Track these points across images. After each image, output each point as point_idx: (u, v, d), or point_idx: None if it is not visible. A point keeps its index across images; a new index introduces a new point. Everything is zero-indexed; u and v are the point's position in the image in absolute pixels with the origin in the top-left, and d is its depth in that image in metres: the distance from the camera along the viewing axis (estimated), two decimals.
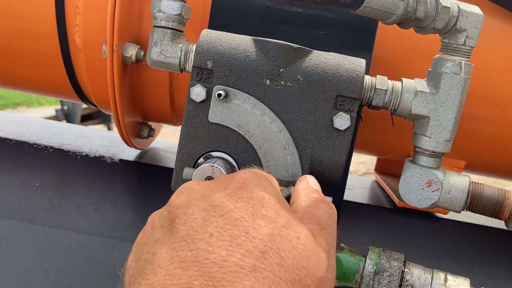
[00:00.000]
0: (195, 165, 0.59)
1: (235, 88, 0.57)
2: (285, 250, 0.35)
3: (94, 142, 0.96)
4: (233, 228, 0.34)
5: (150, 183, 0.86)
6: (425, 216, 0.89)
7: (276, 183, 0.47)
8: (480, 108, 0.77)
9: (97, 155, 0.88)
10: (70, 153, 0.88)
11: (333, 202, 0.68)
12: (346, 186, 1.01)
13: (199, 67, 0.58)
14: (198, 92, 0.58)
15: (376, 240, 0.85)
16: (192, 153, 0.59)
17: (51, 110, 5.47)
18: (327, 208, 0.45)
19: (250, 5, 0.66)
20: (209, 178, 0.55)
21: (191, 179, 0.55)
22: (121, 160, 0.88)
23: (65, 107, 5.02)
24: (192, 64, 0.58)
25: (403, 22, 0.54)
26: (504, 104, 0.76)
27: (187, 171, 0.57)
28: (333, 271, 0.40)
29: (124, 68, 0.72)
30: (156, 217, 0.39)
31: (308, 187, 0.49)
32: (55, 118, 4.95)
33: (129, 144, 0.84)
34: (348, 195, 0.94)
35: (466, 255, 0.84)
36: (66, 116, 5.05)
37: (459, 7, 0.55)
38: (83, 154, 0.88)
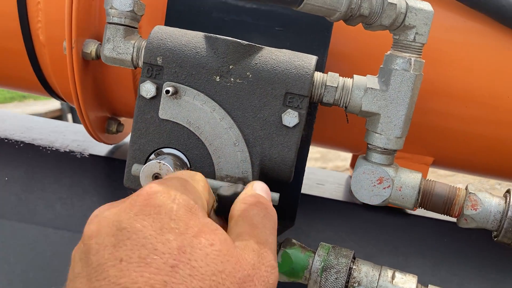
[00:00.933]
0: (146, 162, 0.60)
1: (185, 85, 0.58)
2: (196, 260, 0.35)
3: (68, 137, 0.97)
4: (141, 248, 0.34)
5: (118, 178, 0.86)
6: (394, 212, 0.88)
7: (200, 180, 0.46)
8: (446, 104, 0.77)
9: (67, 150, 0.89)
10: (41, 148, 0.89)
11: (289, 198, 0.69)
12: (318, 182, 1.01)
13: (149, 63, 0.58)
14: (148, 89, 0.58)
15: (343, 236, 0.85)
16: (143, 149, 0.60)
17: (57, 103, 5.49)
18: (260, 208, 0.45)
19: (206, 1, 0.66)
20: (156, 175, 0.55)
21: (139, 176, 0.56)
22: (90, 155, 0.89)
23: None
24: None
25: (348, 19, 0.53)
26: (469, 100, 0.76)
27: (135, 167, 0.58)
28: (270, 266, 0.40)
29: (85, 63, 0.72)
30: (76, 251, 0.38)
31: (247, 192, 0.49)
32: (61, 110, 4.95)
33: (97, 139, 0.84)
34: (318, 191, 0.94)
35: (433, 252, 0.84)
36: (71, 108, 5.06)
37: (407, 4, 0.55)
38: (54, 149, 0.89)
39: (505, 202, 0.56)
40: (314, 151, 4.34)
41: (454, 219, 0.90)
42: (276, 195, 0.55)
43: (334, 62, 0.72)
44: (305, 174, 0.85)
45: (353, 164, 1.09)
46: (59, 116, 4.82)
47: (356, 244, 0.85)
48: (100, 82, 0.78)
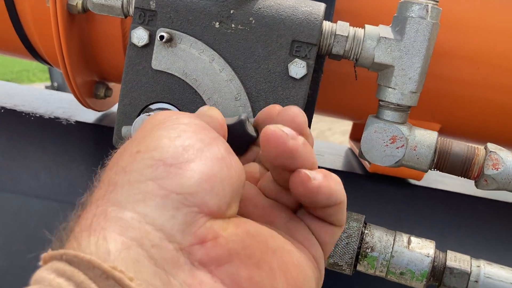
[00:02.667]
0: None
1: (181, 31, 0.52)
2: None
3: (52, 104, 0.91)
4: None
5: (106, 146, 0.80)
6: (397, 183, 0.84)
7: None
8: (455, 67, 0.73)
9: (52, 117, 0.83)
10: (24, 114, 0.83)
11: None
12: (318, 153, 0.97)
13: (141, 8, 0.52)
14: (139, 35, 0.52)
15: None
16: (134, 103, 0.54)
17: (41, 87, 5.37)
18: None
19: None
20: None
21: (130, 135, 0.51)
22: (77, 122, 0.83)
23: (55, 84, 4.90)
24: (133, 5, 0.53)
25: None
26: (480, 62, 0.71)
27: (125, 129, 0.52)
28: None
29: (71, 18, 0.66)
30: None
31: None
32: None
33: (84, 104, 0.78)
34: (318, 161, 0.89)
35: (438, 223, 0.81)
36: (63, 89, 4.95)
37: None
38: (37, 115, 0.83)
39: None
40: (311, 128, 4.32)
41: (459, 190, 0.86)
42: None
43: (341, 18, 0.67)
44: None
45: (353, 136, 1.04)
46: None
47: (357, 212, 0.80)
48: (87, 42, 0.73)
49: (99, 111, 0.87)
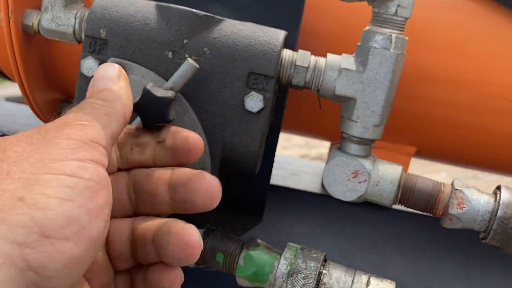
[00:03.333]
0: None
1: (132, 61, 0.50)
2: None
3: (18, 120, 0.88)
4: None
5: None
6: (373, 207, 0.82)
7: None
8: (431, 90, 0.70)
9: None
10: None
11: (256, 192, 0.62)
12: (293, 172, 0.94)
13: (91, 36, 0.50)
14: (89, 66, 0.50)
15: (317, 232, 0.79)
16: None
17: (15, 89, 5.31)
18: None
19: None
20: None
21: None
22: None
23: None
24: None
25: None
26: (455, 85, 0.69)
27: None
28: None
29: (28, 37, 0.63)
30: None
31: None
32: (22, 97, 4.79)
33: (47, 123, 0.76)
34: (292, 182, 0.87)
35: (414, 248, 0.79)
36: None
37: None
38: (0, 134, 0.80)
39: (495, 200, 0.50)
40: (298, 138, 4.27)
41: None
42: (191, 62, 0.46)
43: (306, 40, 0.64)
44: (280, 164, 0.78)
45: None
46: None
47: (331, 239, 0.78)
48: (48, 60, 0.70)
49: None
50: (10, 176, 0.29)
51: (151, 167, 0.43)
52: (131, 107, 0.41)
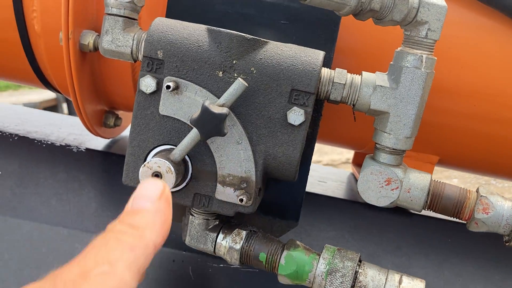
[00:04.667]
0: (146, 159, 0.57)
1: (186, 80, 0.55)
2: None
3: (64, 130, 0.94)
4: None
5: (115, 174, 0.84)
6: (398, 212, 0.87)
7: None
8: (454, 102, 0.75)
9: (63, 144, 0.86)
10: (36, 141, 0.86)
11: (293, 197, 0.67)
12: (320, 179, 0.99)
13: (149, 57, 0.55)
14: (148, 83, 0.55)
15: (345, 236, 0.83)
16: (142, 146, 0.57)
17: (52, 93, 5.40)
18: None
19: None
20: (156, 173, 0.53)
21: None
22: (87, 149, 0.86)
23: None
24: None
25: (358, 14, 0.51)
26: (477, 98, 0.73)
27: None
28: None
29: (83, 55, 0.69)
30: None
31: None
32: (55, 100, 4.89)
33: (94, 132, 0.81)
34: (320, 188, 0.92)
35: (437, 252, 0.83)
36: (66, 98, 4.98)
37: None
38: (49, 142, 0.86)
39: None
40: (315, 159, 4.31)
41: (458, 220, 0.88)
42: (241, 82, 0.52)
43: (342, 58, 0.69)
44: None
45: (355, 161, 1.07)
46: (54, 106, 4.75)
47: (359, 243, 0.83)
48: (98, 75, 0.76)
49: (108, 138, 0.90)
50: None
51: None
52: (165, 232, 0.38)
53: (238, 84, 0.52)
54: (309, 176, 0.98)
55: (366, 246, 0.83)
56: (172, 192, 0.57)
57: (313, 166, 1.12)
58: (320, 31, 0.63)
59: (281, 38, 0.59)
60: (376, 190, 0.58)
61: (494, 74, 0.73)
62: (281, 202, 0.67)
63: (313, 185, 0.93)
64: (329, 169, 1.10)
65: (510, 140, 0.77)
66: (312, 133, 0.64)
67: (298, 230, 0.83)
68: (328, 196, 0.88)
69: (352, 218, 0.85)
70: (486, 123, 0.76)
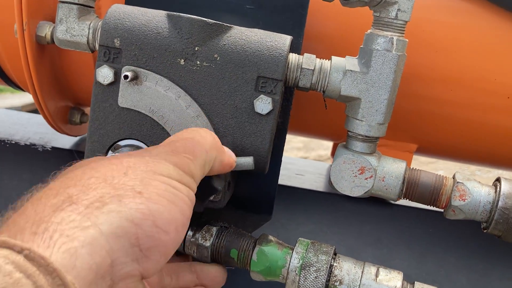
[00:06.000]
0: (106, 154, 0.54)
1: (146, 69, 0.52)
2: None
3: (29, 129, 0.90)
4: None
5: None
6: (377, 203, 0.84)
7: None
8: (430, 88, 0.73)
9: (28, 143, 0.83)
10: None
11: (265, 190, 0.64)
12: (298, 172, 0.97)
13: (106, 45, 0.52)
14: (105, 74, 0.52)
15: (324, 229, 0.81)
16: (102, 141, 0.54)
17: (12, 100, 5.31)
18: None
19: None
20: None
21: None
22: (53, 148, 0.82)
23: None
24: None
25: None
26: (454, 83, 0.71)
27: None
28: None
29: (41, 48, 0.66)
30: None
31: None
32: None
33: (58, 130, 0.78)
34: (297, 181, 0.89)
35: (418, 242, 0.81)
36: None
37: None
38: (13, 142, 0.82)
39: (495, 191, 0.52)
40: (296, 141, 4.29)
41: (439, 209, 0.86)
42: (250, 159, 0.51)
43: (310, 43, 0.67)
44: (283, 164, 0.79)
45: (334, 153, 1.04)
46: (36, 109, 4.66)
47: (338, 236, 0.80)
48: (59, 69, 0.72)
49: (75, 136, 0.86)
50: (128, 176, 0.37)
51: None
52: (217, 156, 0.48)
53: (247, 163, 0.52)
54: (286, 169, 0.95)
55: (345, 239, 0.80)
56: None
57: (290, 159, 1.10)
58: (288, 15, 0.60)
59: (247, 24, 0.57)
60: (350, 179, 0.55)
61: (470, 59, 0.71)
62: (253, 195, 0.64)
63: (290, 178, 0.90)
64: (307, 162, 1.07)
65: (490, 126, 0.75)
66: (282, 123, 0.61)
67: (275, 225, 0.80)
68: (306, 189, 0.85)
69: (331, 210, 0.83)
70: (463, 109, 0.74)
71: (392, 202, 0.86)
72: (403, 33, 0.53)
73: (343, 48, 0.65)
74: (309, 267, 0.51)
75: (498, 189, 0.52)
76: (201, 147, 0.44)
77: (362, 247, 0.81)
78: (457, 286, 0.78)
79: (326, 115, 0.73)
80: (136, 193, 0.36)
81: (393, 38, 0.52)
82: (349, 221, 0.82)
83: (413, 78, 0.71)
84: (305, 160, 1.10)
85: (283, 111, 0.61)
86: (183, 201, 0.39)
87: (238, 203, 0.64)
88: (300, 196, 0.84)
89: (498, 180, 0.54)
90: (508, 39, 0.69)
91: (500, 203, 0.51)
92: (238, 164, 0.51)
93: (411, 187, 0.54)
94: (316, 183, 0.91)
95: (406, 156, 0.81)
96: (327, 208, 0.83)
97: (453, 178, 0.55)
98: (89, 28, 0.55)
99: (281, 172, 0.89)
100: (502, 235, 0.52)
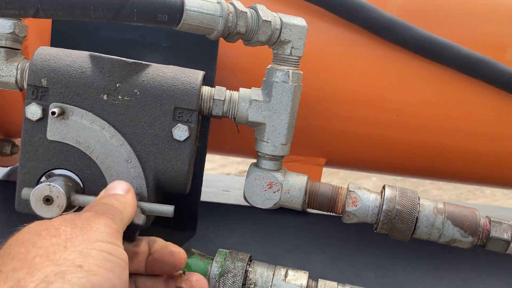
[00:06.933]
0: (37, 185, 0.59)
1: (72, 105, 0.58)
2: None
3: None
4: None
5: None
6: (296, 212, 0.93)
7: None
8: (333, 108, 0.83)
9: None
10: None
11: (188, 208, 0.71)
12: (224, 189, 1.04)
13: (34, 85, 0.57)
14: (33, 111, 0.57)
15: (248, 240, 0.89)
16: (33, 172, 0.59)
17: None
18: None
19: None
20: (47, 197, 0.55)
21: (29, 199, 0.55)
22: None
23: None
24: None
25: (227, 37, 0.57)
26: (348, 104, 0.82)
27: (25, 191, 0.57)
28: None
29: None
30: None
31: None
32: None
33: None
34: (224, 198, 0.97)
35: (332, 246, 0.90)
36: None
37: (281, 20, 0.59)
38: None
39: (381, 197, 0.62)
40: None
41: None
42: (171, 208, 0.57)
43: (226, 75, 0.75)
44: (212, 182, 0.87)
45: None
46: None
47: (260, 245, 0.88)
48: None
49: (6, 166, 0.89)
50: (68, 250, 0.41)
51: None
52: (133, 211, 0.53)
53: (167, 210, 0.58)
54: (215, 187, 1.03)
55: (267, 247, 0.88)
56: None
57: (218, 177, 1.17)
58: (201, 51, 0.68)
59: (163, 61, 0.64)
60: (261, 193, 0.63)
61: (365, 82, 0.82)
62: (178, 214, 0.71)
63: (217, 195, 0.97)
64: (233, 178, 1.15)
65: (384, 139, 0.86)
66: (202, 147, 0.69)
67: (203, 239, 0.87)
68: (231, 204, 0.93)
69: (254, 222, 0.91)
70: (362, 126, 0.85)
71: (309, 211, 0.96)
72: (298, 67, 0.62)
73: (253, 79, 0.74)
74: (227, 273, 0.59)
75: (383, 195, 0.62)
76: (118, 206, 0.50)
77: (282, 254, 0.89)
78: (367, 282, 0.88)
79: (242, 137, 0.82)
80: (77, 267, 0.39)
81: (289, 71, 0.61)
82: (270, 231, 0.91)
83: (320, 100, 0.81)
84: (231, 177, 1.18)
85: (202, 136, 0.68)
86: (119, 266, 0.43)
87: (164, 223, 0.70)
88: (226, 211, 0.91)
89: (383, 187, 0.64)
90: (393, 66, 0.81)
91: (384, 207, 0.61)
92: (159, 211, 0.58)
93: (312, 197, 0.63)
94: (240, 198, 0.99)
95: (316, 169, 0.91)
96: (250, 221, 0.91)
97: (347, 187, 0.64)
98: (17, 69, 0.60)
99: (209, 190, 0.97)
100: (388, 234, 0.62)
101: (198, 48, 0.68)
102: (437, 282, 0.90)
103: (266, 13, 0.57)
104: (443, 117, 0.82)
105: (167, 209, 0.57)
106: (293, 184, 0.63)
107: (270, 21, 0.58)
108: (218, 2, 0.54)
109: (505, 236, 0.59)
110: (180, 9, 0.51)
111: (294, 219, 0.93)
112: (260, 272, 0.60)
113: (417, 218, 0.60)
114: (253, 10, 0.57)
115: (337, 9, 0.73)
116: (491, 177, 0.91)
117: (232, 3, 0.56)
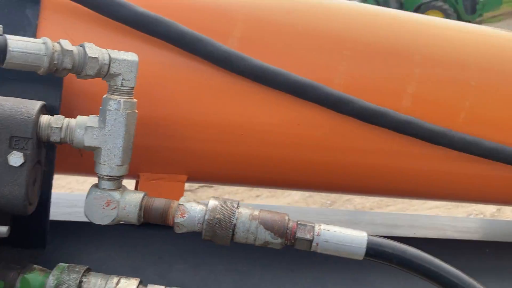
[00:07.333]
0: None
1: None
2: None
3: None
4: None
5: None
6: (161, 226, 1.01)
7: None
8: (187, 131, 0.92)
9: None
10: None
11: (36, 228, 0.76)
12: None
13: None
14: None
15: (112, 255, 0.94)
16: None
17: None
18: None
19: None
20: None
21: None
22: None
23: None
24: None
25: (55, 72, 0.63)
26: (203, 127, 0.91)
27: None
28: None
29: None
30: None
31: None
32: None
33: None
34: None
35: (193, 255, 0.98)
36: None
37: (110, 56, 0.67)
38: None
39: (206, 208, 0.71)
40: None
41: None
42: (4, 228, 0.62)
43: (78, 100, 0.81)
44: (72, 202, 0.92)
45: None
46: None
47: (124, 260, 0.94)
48: None
49: None
50: None
51: None
52: None
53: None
54: (73, 207, 1.07)
55: (131, 261, 0.94)
56: None
57: (79, 197, 1.22)
58: (45, 84, 0.74)
59: (11, 92, 0.69)
60: (99, 211, 0.70)
61: (207, 107, 0.91)
62: (28, 234, 0.76)
63: (79, 214, 1.02)
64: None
65: (236, 156, 0.96)
66: (48, 171, 0.74)
67: (68, 257, 0.91)
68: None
69: (120, 238, 0.97)
70: (213, 144, 0.94)
71: None
72: (131, 96, 0.70)
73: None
74: (62, 285, 0.65)
75: (207, 206, 0.71)
76: None
77: (145, 266, 0.96)
78: (224, 286, 0.97)
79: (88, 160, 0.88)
80: None
81: (121, 100, 0.69)
82: (135, 245, 0.97)
83: (173, 123, 0.89)
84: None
85: (48, 161, 0.74)
86: None
87: (15, 242, 0.75)
88: (91, 229, 0.97)
89: (212, 198, 0.73)
90: (236, 92, 0.91)
91: (207, 216, 0.70)
92: None
93: (147, 212, 0.71)
94: None
95: (178, 185, 0.99)
96: (116, 237, 0.97)
97: (179, 201, 0.73)
98: None
99: (69, 210, 1.02)
100: (212, 239, 0.71)
101: (42, 81, 0.74)
102: (289, 281, 1.01)
103: (93, 50, 0.65)
104: (281, 134, 0.94)
105: (0, 230, 0.62)
106: (129, 201, 0.71)
107: (97, 57, 0.65)
108: (43, 43, 0.60)
109: (308, 236, 0.69)
110: (3, 50, 0.57)
111: (159, 233, 1.00)
112: (94, 281, 0.66)
113: (235, 225, 0.69)
114: (81, 48, 0.65)
115: (178, 42, 0.82)
116: (324, 184, 1.05)
117: (59, 42, 0.63)
